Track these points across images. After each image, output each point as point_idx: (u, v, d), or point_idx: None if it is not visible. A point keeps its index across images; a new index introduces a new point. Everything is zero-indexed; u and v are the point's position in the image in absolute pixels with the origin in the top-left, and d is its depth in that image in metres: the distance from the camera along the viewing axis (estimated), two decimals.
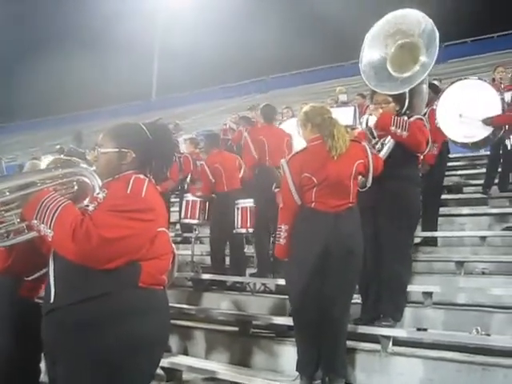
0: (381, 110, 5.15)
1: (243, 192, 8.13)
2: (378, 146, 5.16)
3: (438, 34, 5.15)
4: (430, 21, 5.20)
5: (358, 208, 4.71)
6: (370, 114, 5.26)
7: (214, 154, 8.41)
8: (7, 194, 2.78)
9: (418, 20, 5.24)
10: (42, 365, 3.91)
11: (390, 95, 5.22)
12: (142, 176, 2.88)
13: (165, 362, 5.14)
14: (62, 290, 2.75)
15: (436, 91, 8.10)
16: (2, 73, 33.47)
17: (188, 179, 9.63)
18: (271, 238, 7.28)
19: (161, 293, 2.88)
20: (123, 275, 2.70)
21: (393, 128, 5.00)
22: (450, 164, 9.21)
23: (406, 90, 5.21)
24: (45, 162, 5.06)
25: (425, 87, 5.42)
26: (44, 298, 2.87)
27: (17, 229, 2.85)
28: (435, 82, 9.42)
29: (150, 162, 2.99)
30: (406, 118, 5.09)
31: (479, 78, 7.54)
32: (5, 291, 3.60)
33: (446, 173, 8.78)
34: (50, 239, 2.65)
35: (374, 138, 5.28)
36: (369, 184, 4.76)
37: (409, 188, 5.16)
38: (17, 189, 2.78)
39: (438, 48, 5.16)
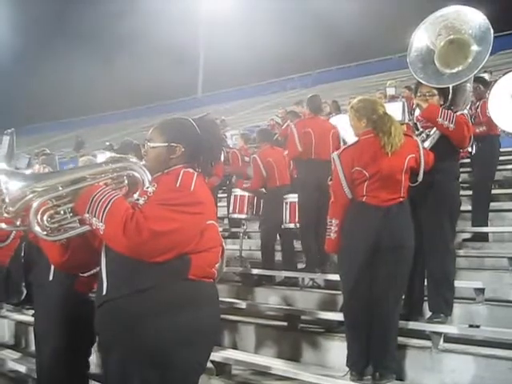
0: (427, 103, 5.10)
1: (292, 187, 8.12)
2: (423, 136, 5.11)
3: (492, 38, 5.06)
4: (487, 23, 5.09)
5: (408, 203, 4.68)
6: (417, 105, 5.20)
7: (267, 148, 8.40)
8: (60, 188, 2.84)
9: (474, 20, 5.13)
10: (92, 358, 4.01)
11: (436, 88, 5.17)
12: (191, 170, 2.92)
13: (214, 355, 5.18)
14: (113, 282, 2.80)
15: (485, 85, 7.97)
16: (49, 72, 34.10)
17: (235, 175, 9.68)
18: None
19: (210, 285, 2.91)
20: (173, 268, 2.74)
21: (440, 120, 4.95)
22: (501, 158, 9.03)
23: (453, 84, 5.15)
24: (100, 157, 5.16)
25: (468, 86, 5.34)
26: (97, 290, 2.93)
27: (69, 223, 2.89)
28: (485, 75, 9.26)
29: (199, 156, 3.02)
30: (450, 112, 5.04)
31: None
32: (61, 285, 3.68)
33: (498, 167, 8.62)
34: (101, 233, 2.70)
35: (418, 129, 5.24)
36: (420, 179, 4.73)
37: (446, 181, 5.09)
38: (69, 183, 2.84)
39: (490, 49, 5.06)
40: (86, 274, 3.51)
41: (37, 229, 2.83)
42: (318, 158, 7.34)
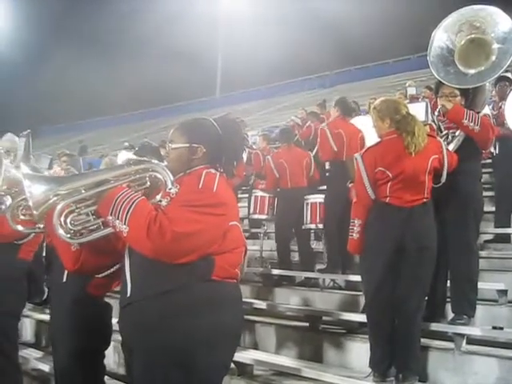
0: (452, 104, 5.06)
1: (310, 190, 8.08)
2: (449, 137, 5.07)
3: None
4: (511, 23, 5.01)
5: (432, 203, 4.65)
6: (442, 106, 5.15)
7: (283, 149, 8.41)
8: (83, 191, 2.84)
9: (497, 21, 5.03)
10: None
11: (458, 89, 5.11)
12: (213, 170, 2.91)
13: (236, 356, 5.15)
14: (137, 284, 2.81)
15: None
16: (66, 72, 34.37)
17: (254, 174, 9.68)
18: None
19: (234, 286, 2.91)
20: (197, 269, 2.74)
21: (465, 121, 4.90)
22: None
23: (476, 85, 5.10)
24: (120, 157, 5.17)
25: (488, 86, 5.29)
26: (121, 292, 2.93)
27: (93, 225, 2.91)
28: (508, 74, 9.16)
29: (221, 156, 3.02)
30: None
31: None
32: (74, 287, 3.65)
33: None
34: (124, 235, 2.70)
35: (441, 131, 5.19)
36: (443, 180, 4.70)
37: (470, 182, 5.05)
38: (92, 186, 2.84)
39: None
40: (101, 275, 3.50)
41: (60, 231, 2.83)
42: (347, 159, 7.27)
